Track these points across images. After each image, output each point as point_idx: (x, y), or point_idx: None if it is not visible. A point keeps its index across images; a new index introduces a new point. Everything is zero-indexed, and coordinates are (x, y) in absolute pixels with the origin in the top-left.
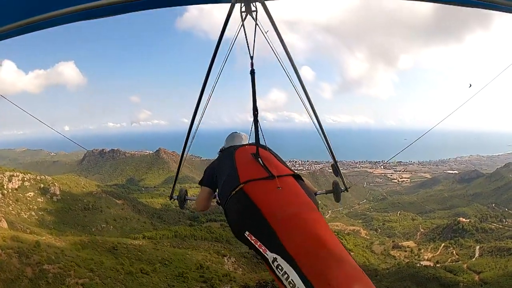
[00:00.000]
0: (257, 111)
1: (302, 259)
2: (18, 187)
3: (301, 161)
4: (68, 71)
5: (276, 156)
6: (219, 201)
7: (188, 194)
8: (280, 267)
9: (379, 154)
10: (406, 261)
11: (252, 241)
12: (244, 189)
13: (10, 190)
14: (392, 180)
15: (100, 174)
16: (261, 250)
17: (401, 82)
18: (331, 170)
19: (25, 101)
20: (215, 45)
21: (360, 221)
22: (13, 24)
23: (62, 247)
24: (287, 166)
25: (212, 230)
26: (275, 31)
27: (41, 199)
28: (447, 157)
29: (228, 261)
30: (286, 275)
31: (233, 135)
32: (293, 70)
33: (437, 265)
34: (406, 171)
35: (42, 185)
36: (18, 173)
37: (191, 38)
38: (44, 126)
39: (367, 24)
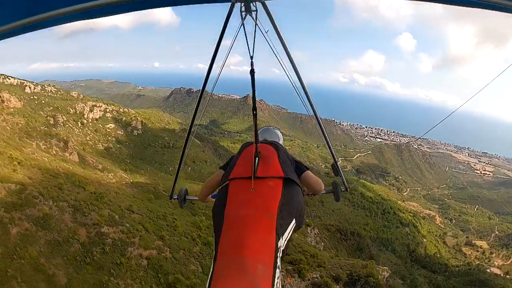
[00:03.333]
0: (255, 110)
1: (220, 260)
2: (99, 117)
3: (386, 131)
4: (160, 10)
5: (281, 155)
6: (215, 194)
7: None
8: (212, 264)
9: (465, 140)
10: (477, 262)
11: (214, 236)
12: (229, 185)
13: (90, 120)
14: (475, 171)
15: (185, 113)
16: (214, 245)
17: (508, 70)
18: (416, 147)
19: (115, 36)
20: (215, 45)
21: (436, 207)
22: (13, 24)
23: (131, 196)
24: (284, 169)
25: None
26: (275, 31)
27: (121, 131)
28: None
29: (311, 232)
30: (210, 273)
31: (264, 130)
32: (293, 70)
33: (507, 276)
34: (490, 164)
35: (124, 118)
36: (100, 104)
37: None
38: (133, 60)
39: None
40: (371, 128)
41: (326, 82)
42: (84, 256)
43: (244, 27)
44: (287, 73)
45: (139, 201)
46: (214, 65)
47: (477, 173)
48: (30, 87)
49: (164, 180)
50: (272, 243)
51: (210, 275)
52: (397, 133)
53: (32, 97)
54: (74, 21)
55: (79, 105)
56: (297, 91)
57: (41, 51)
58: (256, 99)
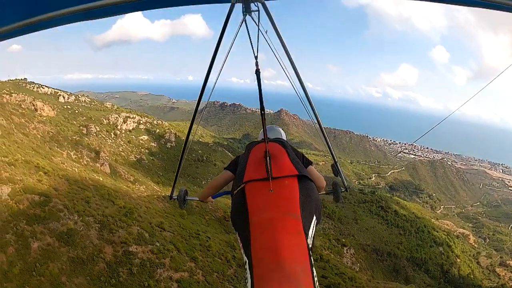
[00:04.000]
0: (263, 110)
1: (257, 268)
2: (132, 128)
3: (420, 146)
4: (194, 23)
5: (290, 153)
6: (215, 194)
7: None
8: (246, 271)
9: (500, 156)
10: (511, 284)
11: (238, 241)
12: (244, 188)
13: (123, 131)
14: (509, 188)
15: (219, 126)
16: (242, 251)
17: None
18: (450, 163)
19: (149, 48)
20: (215, 46)
21: (470, 225)
22: (13, 25)
23: (162, 211)
24: (296, 166)
25: (325, 204)
26: (275, 31)
27: (154, 143)
28: None
29: (347, 252)
30: (246, 280)
31: (269, 129)
32: (293, 71)
33: None
34: None
35: (157, 130)
36: (134, 115)
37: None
38: (167, 73)
39: None
40: (405, 144)
41: (360, 97)
42: (109, 277)
43: (247, 27)
44: (287, 73)
45: (171, 217)
46: (219, 65)
47: (511, 190)
48: (64, 97)
49: (197, 193)
50: (304, 243)
51: (250, 283)
52: (431, 149)
53: (65, 107)
54: (77, 21)
55: (112, 116)
56: (296, 91)
57: (77, 62)
58: (291, 113)
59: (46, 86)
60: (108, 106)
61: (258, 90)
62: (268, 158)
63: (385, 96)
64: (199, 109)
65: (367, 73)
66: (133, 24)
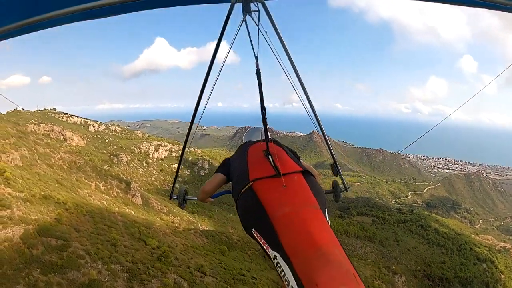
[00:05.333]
0: (264, 109)
1: (296, 257)
2: (164, 157)
3: (453, 160)
4: (220, 50)
5: (287, 151)
6: (232, 195)
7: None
8: (279, 265)
9: None
10: None
11: (258, 238)
12: (252, 187)
13: (155, 160)
14: None
15: None
16: (264, 247)
17: None
18: (485, 175)
19: (178, 76)
20: (215, 46)
21: (511, 238)
22: (13, 25)
23: (201, 248)
24: (297, 162)
25: (365, 227)
26: (275, 31)
27: (187, 171)
28: None
29: (398, 280)
30: (283, 273)
31: (254, 130)
32: (293, 71)
33: None
34: None
35: (190, 158)
36: (166, 143)
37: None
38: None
39: None
40: (438, 159)
41: (390, 114)
42: None
43: (247, 27)
44: (286, 72)
45: (211, 254)
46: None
47: None
48: (94, 126)
49: (234, 222)
50: (331, 231)
51: (290, 273)
52: (465, 162)
53: (95, 136)
54: (77, 21)
55: (144, 145)
56: (296, 90)
57: (106, 92)
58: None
59: (75, 116)
60: (139, 134)
61: (259, 90)
62: (270, 156)
63: (414, 111)
64: (200, 109)
65: (396, 88)
66: (160, 53)
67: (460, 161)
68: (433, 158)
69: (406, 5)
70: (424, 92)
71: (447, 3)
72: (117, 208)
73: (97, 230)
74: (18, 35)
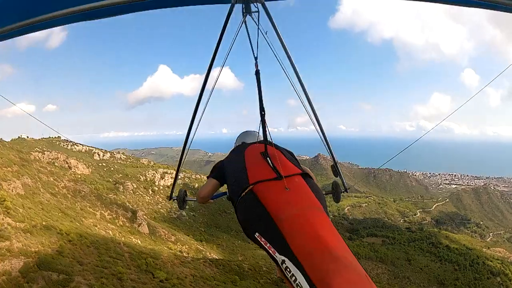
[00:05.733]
0: (263, 111)
1: (307, 261)
2: (171, 184)
3: (460, 175)
4: (224, 76)
5: (285, 153)
6: (230, 199)
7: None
8: (288, 269)
9: None
10: None
11: (262, 243)
12: (253, 190)
13: (161, 187)
14: None
15: None
16: (270, 251)
17: None
18: (492, 187)
19: (180, 103)
20: (215, 46)
21: None
22: (13, 25)
23: (211, 279)
24: (295, 164)
25: (376, 248)
26: (275, 31)
27: (195, 198)
28: None
29: None
30: (294, 277)
31: (247, 133)
32: (293, 71)
33: None
34: None
35: (196, 184)
36: (172, 170)
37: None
38: (202, 128)
39: None
40: (444, 175)
41: (395, 133)
42: None
43: (247, 27)
44: (286, 72)
45: (222, 285)
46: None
47: None
48: (99, 154)
49: (243, 249)
50: (337, 232)
51: (302, 278)
52: (471, 176)
53: (100, 164)
54: (77, 21)
55: (149, 172)
56: (297, 92)
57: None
58: (328, 157)
59: (80, 144)
60: (145, 162)
61: (258, 91)
62: (269, 158)
63: (418, 129)
64: (201, 108)
65: (400, 107)
66: (163, 80)
67: (467, 175)
68: (439, 174)
69: (408, 24)
70: (428, 109)
71: (447, 3)
72: (123, 238)
73: (101, 263)
74: (18, 35)
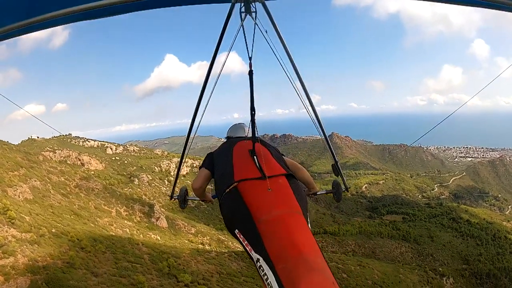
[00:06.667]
0: (254, 110)
1: (279, 263)
2: (186, 173)
3: (475, 148)
4: (231, 61)
5: (272, 152)
6: (215, 193)
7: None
8: (261, 268)
9: None
10: None
11: (241, 239)
12: (238, 187)
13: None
14: None
15: None
16: (247, 249)
17: None
18: (508, 159)
19: (190, 91)
20: (215, 46)
21: None
22: (13, 25)
23: (239, 275)
24: (282, 164)
25: (397, 226)
26: (276, 31)
27: (211, 186)
28: None
29: (447, 282)
30: (266, 276)
31: (237, 126)
32: (293, 71)
33: None
34: None
35: None
36: (187, 159)
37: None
38: (213, 114)
39: None
40: (459, 148)
41: (406, 108)
42: None
43: (243, 28)
44: (286, 72)
45: (250, 281)
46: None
47: None
48: (111, 148)
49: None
50: (313, 238)
51: (274, 279)
52: (486, 148)
53: (114, 158)
54: (77, 21)
55: (164, 163)
56: (296, 89)
57: (122, 113)
58: (342, 136)
59: (92, 140)
60: (158, 153)
61: (250, 91)
62: (256, 157)
63: (430, 103)
64: (203, 107)
65: (410, 82)
66: (170, 70)
67: (482, 148)
68: (454, 147)
69: None
70: (438, 82)
71: (449, 3)
72: (141, 235)
73: (119, 271)
74: (18, 35)
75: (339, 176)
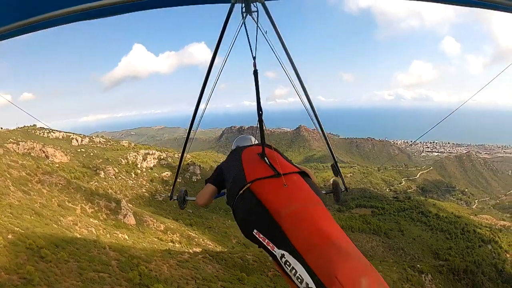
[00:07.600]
0: (261, 110)
1: (309, 254)
2: (154, 165)
3: (441, 143)
4: (200, 52)
5: (282, 154)
6: (227, 201)
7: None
8: (288, 263)
9: None
10: None
11: (260, 239)
12: (251, 188)
13: (144, 170)
14: None
15: None
16: (269, 247)
17: None
18: (477, 155)
19: (159, 81)
20: (215, 46)
21: (508, 215)
22: (13, 25)
23: (215, 279)
24: (293, 164)
25: (368, 220)
26: (275, 31)
27: (180, 179)
28: None
29: (425, 279)
30: (294, 271)
31: (242, 138)
32: (293, 71)
33: None
34: None
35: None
36: (153, 151)
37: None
38: (180, 105)
39: None
40: (426, 143)
41: (374, 102)
42: None
43: (245, 27)
44: (286, 72)
45: (228, 285)
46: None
47: None
48: (77, 140)
49: (234, 229)
50: (338, 226)
51: (303, 269)
52: (453, 143)
53: (79, 150)
54: (76, 21)
55: (131, 155)
56: (297, 90)
57: (89, 103)
58: (310, 129)
59: (57, 131)
60: (125, 144)
61: (255, 91)
62: (266, 158)
63: (397, 98)
64: (201, 109)
65: (380, 76)
66: (138, 59)
67: (448, 143)
68: (420, 142)
69: None
70: (409, 76)
71: (446, 3)
72: (108, 235)
73: (84, 285)
74: (18, 35)
75: (338, 176)
